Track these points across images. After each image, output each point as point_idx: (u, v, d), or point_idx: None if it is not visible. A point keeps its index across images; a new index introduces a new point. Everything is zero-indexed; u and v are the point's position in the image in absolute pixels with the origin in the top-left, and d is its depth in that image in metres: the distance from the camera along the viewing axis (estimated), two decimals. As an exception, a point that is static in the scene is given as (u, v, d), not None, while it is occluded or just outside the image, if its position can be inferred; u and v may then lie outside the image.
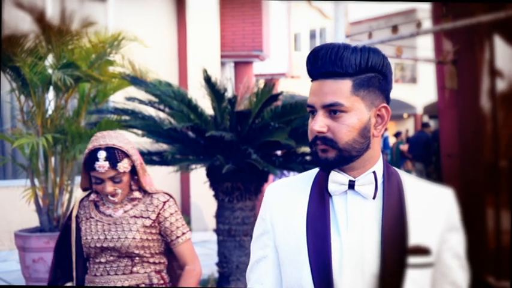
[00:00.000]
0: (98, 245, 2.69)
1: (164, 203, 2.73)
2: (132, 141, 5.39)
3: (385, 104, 1.58)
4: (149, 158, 5.22)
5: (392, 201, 1.57)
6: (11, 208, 7.09)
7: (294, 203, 1.64)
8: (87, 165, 2.64)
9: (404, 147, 13.88)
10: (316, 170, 1.69)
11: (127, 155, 2.64)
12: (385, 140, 18.46)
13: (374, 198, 1.57)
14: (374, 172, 1.58)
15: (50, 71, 5.51)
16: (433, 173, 11.22)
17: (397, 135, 15.67)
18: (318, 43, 21.79)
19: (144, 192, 2.75)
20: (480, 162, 5.78)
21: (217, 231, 5.34)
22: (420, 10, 18.80)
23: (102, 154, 2.60)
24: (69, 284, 2.88)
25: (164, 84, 5.25)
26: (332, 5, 6.01)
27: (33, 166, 5.68)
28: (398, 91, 23.16)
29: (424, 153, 11.83)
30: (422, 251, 1.55)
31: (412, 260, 1.54)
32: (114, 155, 2.61)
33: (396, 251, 1.53)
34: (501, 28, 5.10)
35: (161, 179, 5.91)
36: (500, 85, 5.38)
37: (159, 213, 2.71)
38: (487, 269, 5.47)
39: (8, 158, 6.87)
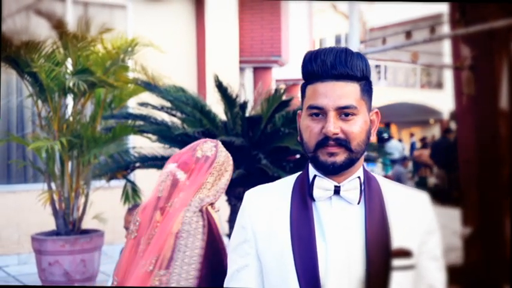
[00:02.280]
0: None
1: None
2: (145, 146, 5.49)
3: (376, 110, 1.63)
4: (162, 163, 5.24)
5: (374, 206, 1.59)
6: (30, 211, 7.19)
7: (275, 210, 1.63)
8: None
9: (417, 152, 13.76)
10: (295, 176, 1.69)
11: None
12: (413, 146, 18.30)
13: (359, 203, 1.59)
14: (359, 177, 1.60)
15: (66, 76, 5.60)
16: (455, 180, 11.10)
17: (423, 140, 15.55)
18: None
19: None
20: (498, 168, 5.71)
21: (230, 236, 5.35)
22: (440, 16, 18.61)
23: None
24: None
25: (178, 90, 5.28)
26: (348, 10, 6.00)
27: (50, 170, 5.77)
28: (425, 97, 22.98)
29: (445, 160, 11.70)
30: (405, 253, 1.57)
31: (395, 263, 1.55)
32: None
33: (380, 254, 1.54)
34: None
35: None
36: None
37: None
38: (504, 278, 5.40)
39: (26, 161, 6.99)
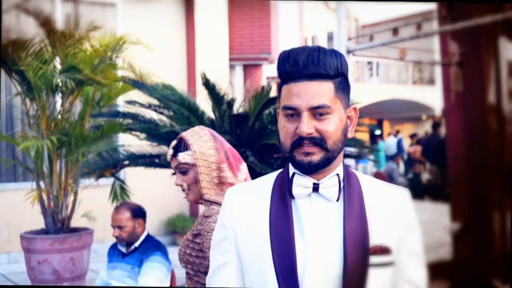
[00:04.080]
0: None
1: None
2: (134, 144, 5.49)
3: (354, 106, 1.62)
4: (150, 160, 5.26)
5: (353, 203, 1.59)
6: (20, 210, 7.19)
7: (255, 208, 1.64)
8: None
9: (411, 149, 13.78)
10: (275, 174, 1.70)
11: (188, 148, 2.42)
12: (399, 142, 18.33)
13: (338, 200, 1.59)
14: (338, 174, 1.60)
15: (54, 74, 5.59)
16: (447, 176, 11.11)
17: (412, 137, 15.56)
18: (335, 45, 21.73)
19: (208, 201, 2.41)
20: (486, 164, 5.73)
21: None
22: (431, 12, 18.64)
23: (173, 143, 2.47)
24: None
25: (166, 87, 5.28)
26: (336, 7, 6.01)
27: (39, 169, 5.76)
28: (417, 93, 23.01)
29: (437, 156, 11.72)
30: (383, 250, 1.57)
31: (373, 259, 1.56)
32: (180, 144, 2.44)
33: (358, 251, 1.54)
34: (507, 29, 5.06)
35: (167, 181, 5.95)
36: (506, 87, 5.33)
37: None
38: (493, 273, 5.42)
39: (15, 160, 6.97)
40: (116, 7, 8.59)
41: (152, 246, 4.11)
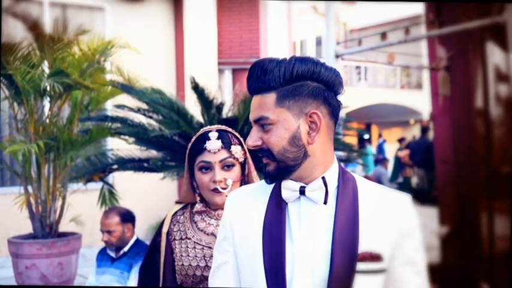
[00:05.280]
0: (198, 273, 2.22)
1: None
2: (122, 148, 5.47)
3: (315, 111, 1.56)
4: (139, 164, 5.24)
5: (345, 207, 1.58)
6: (8, 215, 7.14)
7: (252, 210, 1.66)
8: (193, 152, 2.27)
9: (401, 153, 13.84)
10: None
11: (240, 143, 2.27)
12: (381, 146, 18.43)
13: (325, 203, 1.58)
14: (323, 177, 1.59)
15: (42, 78, 5.56)
16: (435, 180, 11.16)
17: (401, 141, 15.61)
18: (324, 50, 21.80)
19: None
20: (474, 168, 5.76)
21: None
22: (419, 17, 18.76)
23: (213, 134, 2.25)
24: None
25: (155, 91, 5.27)
26: (325, 11, 6.03)
27: (26, 173, 5.72)
28: (404, 97, 23.10)
29: (426, 160, 11.77)
30: (373, 257, 1.55)
31: (362, 266, 1.54)
32: (227, 136, 2.26)
33: (346, 256, 1.53)
34: (494, 33, 5.09)
35: (156, 184, 5.94)
36: (494, 91, 5.37)
37: None
38: (481, 276, 5.45)
39: (2, 164, 6.93)
40: (104, 11, 8.57)
41: (141, 250, 4.10)
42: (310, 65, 1.56)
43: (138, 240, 4.24)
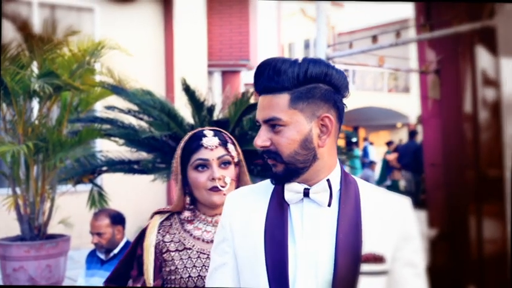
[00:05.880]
0: (200, 284, 2.09)
1: None
2: (112, 149, 5.43)
3: (328, 114, 1.56)
4: (129, 166, 5.21)
5: (348, 210, 1.58)
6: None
7: (253, 211, 1.65)
8: (188, 151, 2.18)
9: (390, 156, 13.89)
10: None
11: (234, 143, 2.24)
12: (366, 149, 18.51)
13: (329, 205, 1.58)
14: (328, 180, 1.59)
15: (31, 79, 5.53)
16: (423, 183, 11.21)
17: (389, 144, 15.67)
18: (311, 53, 21.85)
19: None
20: (463, 171, 5.78)
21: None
22: (407, 21, 18.88)
23: (209, 132, 2.20)
24: None
25: (145, 93, 5.24)
26: (315, 14, 6.04)
27: (15, 174, 5.68)
28: (392, 100, 23.21)
29: (414, 163, 11.82)
30: (376, 258, 1.56)
31: (365, 267, 1.54)
32: (222, 135, 2.21)
33: (350, 258, 1.54)
34: (483, 37, 5.12)
35: (146, 186, 5.92)
36: (483, 94, 5.39)
37: None
38: (470, 279, 5.47)
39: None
40: (93, 12, 8.53)
41: (132, 253, 4.08)
42: (323, 68, 1.56)
43: (128, 243, 4.21)
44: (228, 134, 2.26)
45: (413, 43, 6.41)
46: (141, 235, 2.21)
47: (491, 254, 5.20)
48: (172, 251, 2.15)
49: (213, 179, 2.13)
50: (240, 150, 2.24)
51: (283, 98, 1.55)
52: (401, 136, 23.90)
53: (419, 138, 12.90)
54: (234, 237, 1.66)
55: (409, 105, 23.82)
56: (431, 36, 5.22)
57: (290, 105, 1.54)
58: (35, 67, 5.69)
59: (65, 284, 5.89)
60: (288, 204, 1.61)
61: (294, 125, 1.55)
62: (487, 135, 5.31)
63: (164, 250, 2.15)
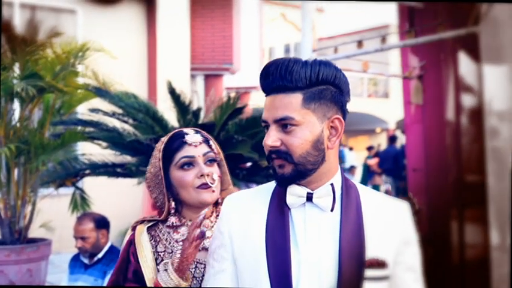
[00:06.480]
0: None
1: None
2: (95, 152, 5.38)
3: (338, 116, 1.58)
4: (113, 170, 5.16)
5: (351, 214, 1.58)
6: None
7: (253, 216, 1.63)
8: (171, 151, 2.07)
9: (371, 161, 13.97)
10: (274, 183, 1.68)
11: (213, 141, 2.16)
12: (341, 153, 18.63)
13: (332, 210, 1.58)
14: (332, 184, 1.59)
15: (14, 81, 5.46)
16: (403, 188, 11.29)
17: (370, 149, 15.76)
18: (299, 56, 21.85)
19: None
20: (445, 176, 5.82)
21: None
22: (391, 26, 19.04)
23: (189, 130, 2.12)
24: None
25: (130, 96, 5.21)
26: (301, 18, 6.05)
27: (-5, 177, 5.61)
28: (371, 106, 23.36)
29: (394, 168, 11.90)
30: (379, 263, 1.56)
31: (369, 273, 1.54)
32: (202, 133, 2.13)
33: (354, 263, 1.53)
34: (466, 44, 5.16)
35: (129, 190, 5.87)
36: (465, 101, 5.44)
37: None
38: (451, 284, 5.50)
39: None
40: (76, 14, 8.47)
41: (116, 257, 4.02)
42: (333, 70, 1.57)
43: (112, 247, 4.17)
44: (206, 133, 2.17)
45: (393, 49, 6.45)
46: (130, 249, 2.07)
47: (472, 259, 5.23)
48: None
49: (202, 176, 2.03)
50: (220, 150, 2.17)
51: (296, 98, 1.54)
52: (380, 141, 24.06)
53: (399, 143, 13.01)
54: (233, 243, 1.64)
55: (388, 111, 24.01)
56: (417, 42, 5.25)
57: (303, 105, 1.54)
58: (17, 68, 5.62)
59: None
60: (289, 208, 1.59)
61: (306, 125, 1.54)
62: (469, 140, 5.35)
63: (159, 261, 2.03)
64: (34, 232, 5.97)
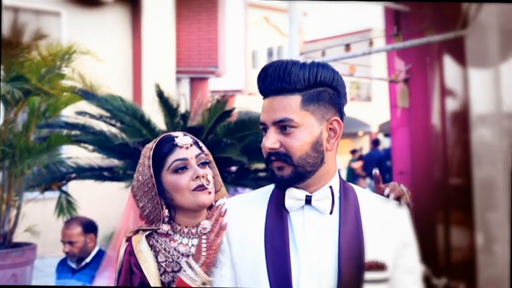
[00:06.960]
0: None
1: None
2: (82, 156, 5.34)
3: (336, 118, 1.58)
4: (100, 173, 5.12)
5: (349, 217, 1.58)
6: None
7: (251, 220, 1.62)
8: (161, 155, 2.00)
9: (356, 164, 14.01)
10: (272, 186, 1.68)
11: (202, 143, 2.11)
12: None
13: (331, 213, 1.57)
14: (331, 187, 1.58)
15: (-1, 84, 5.41)
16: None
17: (354, 152, 15.79)
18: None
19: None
20: (431, 180, 5.85)
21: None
22: (374, 30, 19.15)
23: (177, 133, 2.06)
24: None
25: (116, 99, 5.17)
26: (286, 22, 6.05)
27: (-20, 181, 5.54)
28: (354, 109, 23.43)
29: (379, 171, 11.94)
30: (379, 266, 1.56)
31: (368, 275, 1.54)
32: (189, 136, 2.07)
33: (353, 266, 1.53)
34: (452, 48, 5.19)
35: (115, 194, 5.82)
36: (450, 104, 5.47)
37: None
38: (437, 286, 5.52)
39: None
40: (59, 16, 8.40)
41: (105, 261, 4.00)
42: (331, 72, 1.57)
43: (100, 251, 4.13)
44: (195, 139, 2.10)
45: (380, 52, 6.47)
46: (131, 260, 1.97)
47: (458, 262, 5.26)
48: (169, 272, 1.97)
49: (197, 178, 1.97)
50: (208, 152, 2.10)
51: (295, 99, 1.54)
52: (362, 144, 24.16)
53: (382, 146, 13.06)
54: (232, 247, 1.63)
55: (371, 114, 24.12)
56: (404, 46, 5.28)
57: (302, 107, 1.53)
58: (2, 71, 5.56)
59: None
60: (288, 212, 1.59)
61: (305, 126, 1.54)
62: (455, 144, 5.38)
63: (161, 272, 1.96)
64: (19, 236, 5.90)
